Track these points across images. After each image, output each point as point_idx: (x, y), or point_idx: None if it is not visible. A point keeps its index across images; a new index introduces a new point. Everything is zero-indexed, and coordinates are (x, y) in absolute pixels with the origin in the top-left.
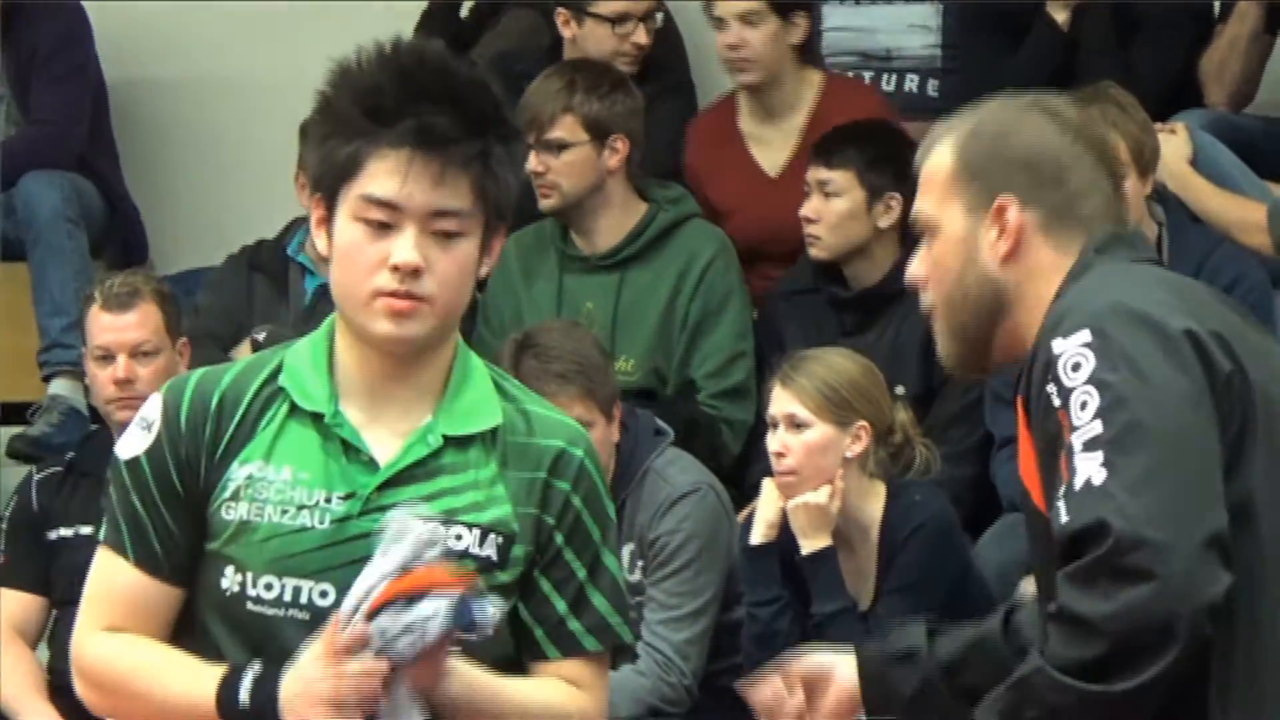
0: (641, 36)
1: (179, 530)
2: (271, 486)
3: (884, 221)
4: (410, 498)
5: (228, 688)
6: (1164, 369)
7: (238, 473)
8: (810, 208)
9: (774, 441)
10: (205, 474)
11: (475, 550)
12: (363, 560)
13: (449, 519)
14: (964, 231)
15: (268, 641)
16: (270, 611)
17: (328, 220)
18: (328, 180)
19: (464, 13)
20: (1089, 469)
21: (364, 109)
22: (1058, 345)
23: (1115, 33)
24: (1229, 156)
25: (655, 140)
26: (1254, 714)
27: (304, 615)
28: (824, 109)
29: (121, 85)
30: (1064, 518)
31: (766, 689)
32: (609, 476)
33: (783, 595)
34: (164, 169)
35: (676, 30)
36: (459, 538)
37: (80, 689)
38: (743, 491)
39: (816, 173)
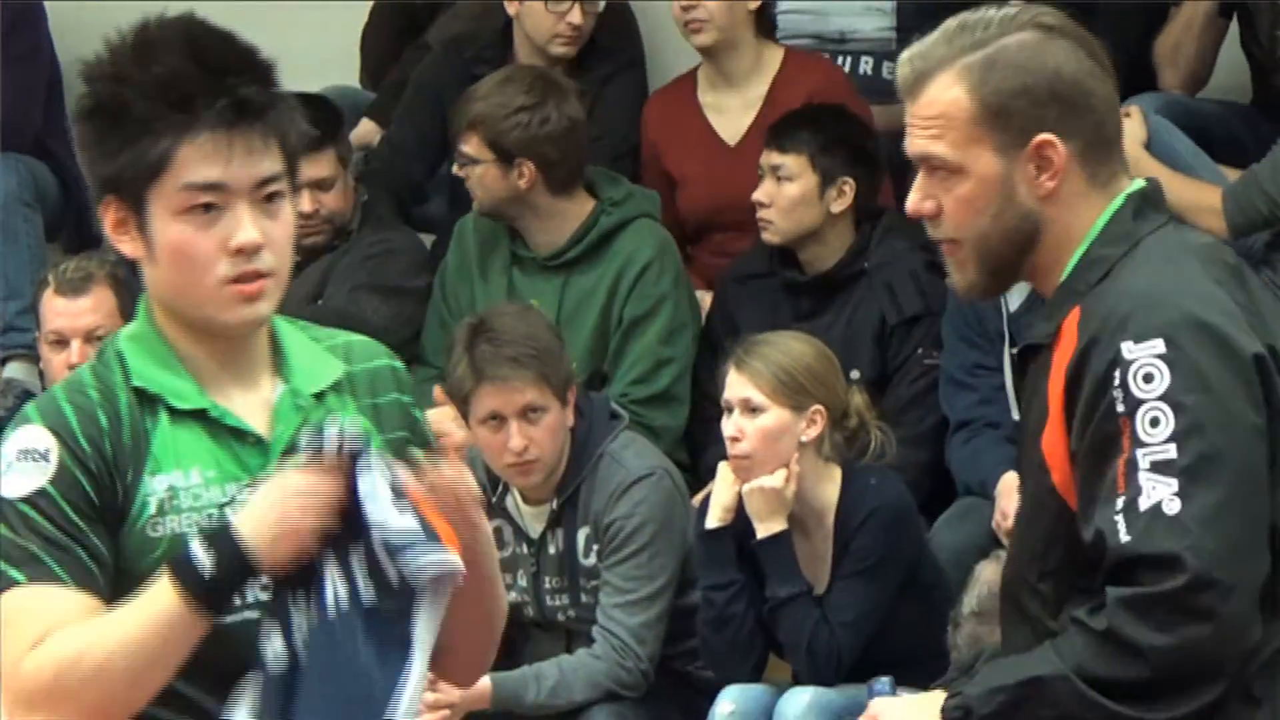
0: (576, 16)
1: (104, 547)
2: (190, 493)
3: (837, 206)
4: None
5: (180, 564)
6: (1236, 397)
7: (155, 486)
8: (763, 192)
9: (729, 426)
10: (123, 489)
11: None
12: None
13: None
14: (998, 173)
15: (207, 651)
16: (229, 618)
17: (135, 223)
18: (132, 183)
19: None
20: (1160, 493)
21: (169, 102)
22: (1128, 350)
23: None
24: (1183, 140)
25: (609, 119)
26: None
27: (254, 614)
28: (785, 81)
29: (76, 67)
30: (1123, 536)
31: None
32: (564, 461)
33: (738, 579)
34: None
35: (628, 9)
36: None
37: (36, 711)
38: (698, 475)
39: (769, 157)
